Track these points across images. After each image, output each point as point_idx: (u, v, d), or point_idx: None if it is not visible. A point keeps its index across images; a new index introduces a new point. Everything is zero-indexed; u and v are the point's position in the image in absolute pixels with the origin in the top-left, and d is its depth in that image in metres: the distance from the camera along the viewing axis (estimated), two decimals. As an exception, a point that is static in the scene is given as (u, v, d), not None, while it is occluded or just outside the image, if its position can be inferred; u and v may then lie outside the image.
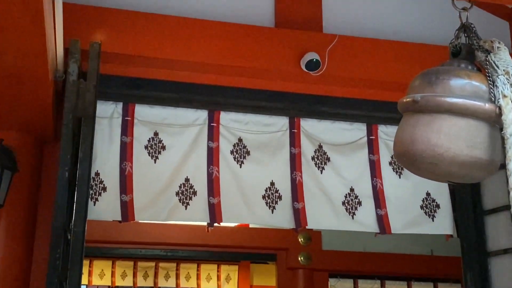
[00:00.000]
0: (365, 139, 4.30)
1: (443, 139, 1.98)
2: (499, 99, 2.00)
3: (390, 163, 4.29)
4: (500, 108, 2.00)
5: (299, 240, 7.33)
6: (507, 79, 2.04)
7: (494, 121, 2.02)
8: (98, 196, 3.78)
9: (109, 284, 9.12)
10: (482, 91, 2.04)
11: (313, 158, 4.20)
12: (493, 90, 2.03)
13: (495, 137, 2.03)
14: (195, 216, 3.99)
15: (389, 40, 4.19)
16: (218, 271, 9.49)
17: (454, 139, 1.98)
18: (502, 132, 1.99)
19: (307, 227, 4.12)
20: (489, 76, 2.06)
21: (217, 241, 7.09)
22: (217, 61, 3.94)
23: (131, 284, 9.08)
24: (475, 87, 2.05)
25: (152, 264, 9.07)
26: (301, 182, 4.10)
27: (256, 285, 10.38)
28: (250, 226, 7.30)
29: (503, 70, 2.06)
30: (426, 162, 2.03)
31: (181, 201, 3.91)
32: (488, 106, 2.00)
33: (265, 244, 7.40)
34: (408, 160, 2.12)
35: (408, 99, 2.13)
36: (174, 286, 9.34)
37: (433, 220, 4.22)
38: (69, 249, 3.23)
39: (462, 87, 2.04)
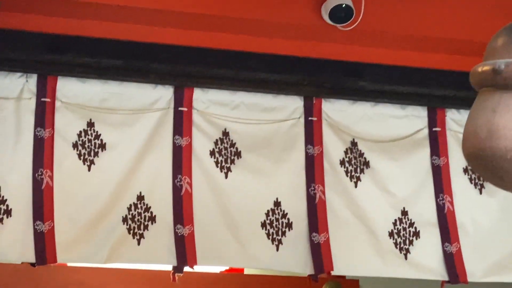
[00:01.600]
0: (426, 131, 4.25)
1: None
2: None
3: (466, 171, 4.23)
4: None
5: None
6: None
7: None
8: None
9: None
10: None
11: (342, 163, 4.14)
12: None
13: None
14: (153, 257, 3.96)
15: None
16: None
17: None
18: None
19: (333, 273, 4.04)
20: None
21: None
22: (190, 8, 3.89)
23: None
24: None
25: None
26: (323, 201, 4.04)
27: None
28: (246, 271, 7.37)
29: None
30: None
31: (131, 231, 3.85)
32: None
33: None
34: (484, 163, 2.01)
35: (486, 68, 2.01)
36: None
37: None
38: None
39: None
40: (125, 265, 5.98)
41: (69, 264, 6.25)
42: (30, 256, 3.73)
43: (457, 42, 4.03)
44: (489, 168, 2.02)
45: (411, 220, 4.11)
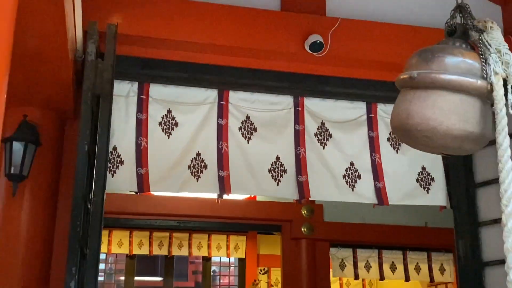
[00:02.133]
0: (365, 117, 4.22)
1: (437, 114, 1.96)
2: (491, 76, 1.98)
3: (388, 139, 4.22)
4: (491, 84, 1.98)
5: (302, 212, 7.34)
6: (499, 57, 2.01)
7: (486, 97, 2.00)
8: (116, 169, 3.75)
9: (127, 252, 9.23)
10: (475, 69, 2.01)
11: (316, 135, 4.13)
12: (486, 68, 2.00)
13: (486, 112, 2.01)
14: (206, 188, 3.96)
15: (389, 23, 4.10)
16: (227, 241, 9.56)
17: (448, 113, 1.96)
18: (493, 107, 1.97)
19: (310, 199, 4.08)
20: (482, 54, 2.03)
21: (226, 213, 7.09)
22: (226, 42, 3.87)
23: (147, 253, 9.17)
24: (469, 65, 2.01)
25: (167, 234, 9.13)
26: (304, 156, 4.04)
27: (263, 254, 10.45)
28: (257, 199, 7.35)
29: (495, 48, 2.03)
30: (421, 135, 2.01)
31: (193, 174, 3.86)
32: (480, 82, 1.98)
33: (271, 216, 7.39)
34: (404, 133, 2.10)
35: (405, 76, 2.09)
36: (187, 254, 9.49)
37: (428, 192, 4.16)
38: (89, 218, 3.25)
39: (456, 64, 2.01)
40: (188, 194, 6.03)
41: (155, 194, 6.26)
42: (134, 187, 3.77)
43: (385, 63, 3.99)
44: (406, 135, 2.10)
45: (356, 168, 4.10)
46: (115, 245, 9.00)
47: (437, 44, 2.16)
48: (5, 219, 3.63)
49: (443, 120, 1.95)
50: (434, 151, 2.19)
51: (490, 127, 2.02)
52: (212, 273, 11.77)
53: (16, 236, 3.63)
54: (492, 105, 1.99)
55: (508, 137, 1.89)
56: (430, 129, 1.96)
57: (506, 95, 1.95)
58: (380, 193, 4.07)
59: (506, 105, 1.93)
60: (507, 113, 1.92)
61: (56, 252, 3.80)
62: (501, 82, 1.97)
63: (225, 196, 3.98)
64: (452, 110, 1.96)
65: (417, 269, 8.12)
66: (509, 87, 1.97)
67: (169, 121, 3.92)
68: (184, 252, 9.31)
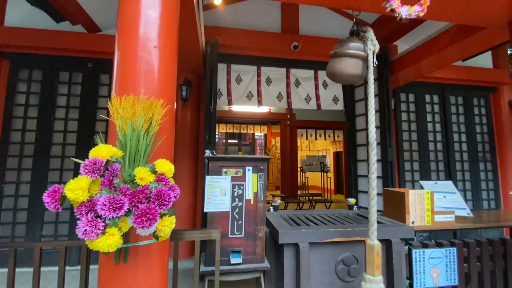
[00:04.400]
0: (313, 76, 3.84)
1: (346, 66, 1.86)
2: (368, 50, 1.85)
3: (322, 84, 3.84)
4: (367, 54, 1.85)
5: (287, 116, 7.22)
6: (371, 42, 1.86)
7: (365, 60, 1.87)
8: (219, 97, 3.54)
9: (225, 131, 9.09)
10: (361, 48, 1.87)
11: (295, 83, 3.77)
12: (366, 47, 1.86)
13: (364, 66, 1.89)
14: (253, 104, 3.66)
15: (327, 37, 3.71)
16: (260, 127, 9.53)
17: (350, 66, 1.85)
18: (368, 64, 1.85)
19: (292, 107, 3.84)
20: (365, 42, 1.87)
21: (260, 116, 6.99)
22: (261, 46, 3.51)
23: (231, 131, 9.14)
24: (359, 46, 1.87)
25: (238, 125, 9.13)
26: (290, 92, 3.67)
27: (273, 132, 10.48)
28: (272, 111, 7.20)
29: (370, 39, 1.87)
30: (338, 76, 1.90)
31: (248, 99, 3.60)
32: (363, 53, 1.86)
33: (276, 117, 7.24)
34: (331, 75, 1.96)
35: (333, 52, 1.96)
36: (246, 132, 9.49)
37: (336, 104, 3.85)
38: (211, 115, 3.17)
39: (354, 46, 1.87)
40: (246, 109, 5.76)
41: (234, 110, 6.05)
42: (226, 104, 3.41)
43: (324, 54, 3.59)
44: (332, 77, 1.92)
45: (310, 96, 3.71)
46: (221, 128, 9.12)
47: (346, 38, 1.98)
48: (181, 116, 3.67)
49: (348, 69, 1.85)
50: (344, 83, 2.06)
51: (366, 73, 1.89)
52: (255, 139, 11.92)
53: (185, 122, 3.66)
54: (367, 63, 1.86)
55: (372, 75, 1.79)
56: (342, 73, 1.86)
57: (372, 59, 1.82)
58: (319, 105, 3.81)
59: (372, 62, 1.81)
60: (373, 65, 1.80)
61: (199, 129, 3.86)
62: (371, 53, 1.84)
63: (260, 108, 3.82)
64: (351, 65, 1.85)
65: (329, 136, 8.06)
66: (374, 55, 1.84)
67: (239, 79, 3.64)
68: (244, 131, 9.34)
